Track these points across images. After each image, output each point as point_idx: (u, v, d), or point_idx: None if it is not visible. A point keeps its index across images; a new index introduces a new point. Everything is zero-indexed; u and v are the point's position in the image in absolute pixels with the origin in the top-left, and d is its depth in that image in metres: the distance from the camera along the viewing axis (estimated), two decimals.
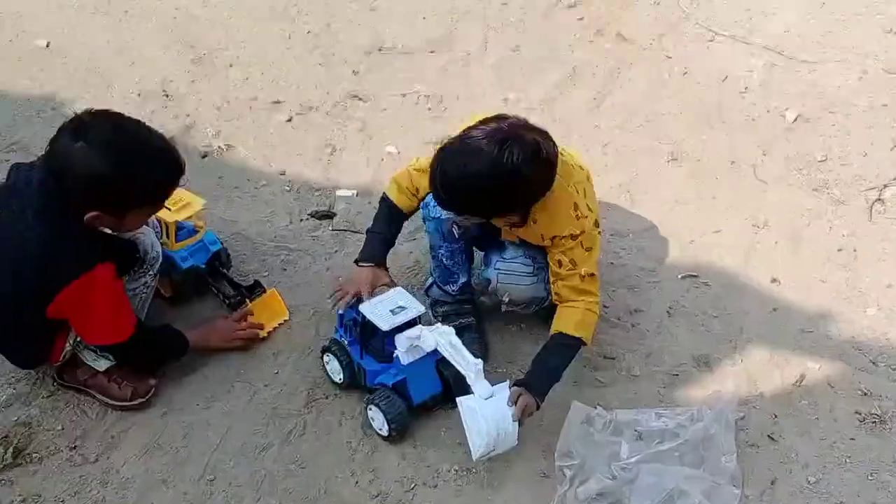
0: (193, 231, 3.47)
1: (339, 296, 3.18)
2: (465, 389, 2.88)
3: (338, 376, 3.19)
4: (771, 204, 4.03)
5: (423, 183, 3.12)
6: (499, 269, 3.22)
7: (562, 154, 2.97)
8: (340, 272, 3.67)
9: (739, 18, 4.95)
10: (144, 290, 3.19)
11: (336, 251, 3.79)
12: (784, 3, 4.98)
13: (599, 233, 3.11)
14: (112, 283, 2.85)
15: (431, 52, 4.88)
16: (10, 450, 3.03)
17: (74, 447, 3.06)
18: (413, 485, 3.01)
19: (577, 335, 3.02)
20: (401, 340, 3.02)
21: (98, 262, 2.79)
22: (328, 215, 3.95)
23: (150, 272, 3.17)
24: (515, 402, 2.85)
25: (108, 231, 2.89)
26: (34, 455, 3.04)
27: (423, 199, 3.23)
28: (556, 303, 3.10)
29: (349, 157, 4.26)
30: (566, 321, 3.04)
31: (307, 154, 4.27)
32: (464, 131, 2.87)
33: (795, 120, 4.44)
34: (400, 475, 3.03)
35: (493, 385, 2.85)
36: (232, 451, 3.07)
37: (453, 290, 3.37)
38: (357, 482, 3.01)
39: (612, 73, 4.77)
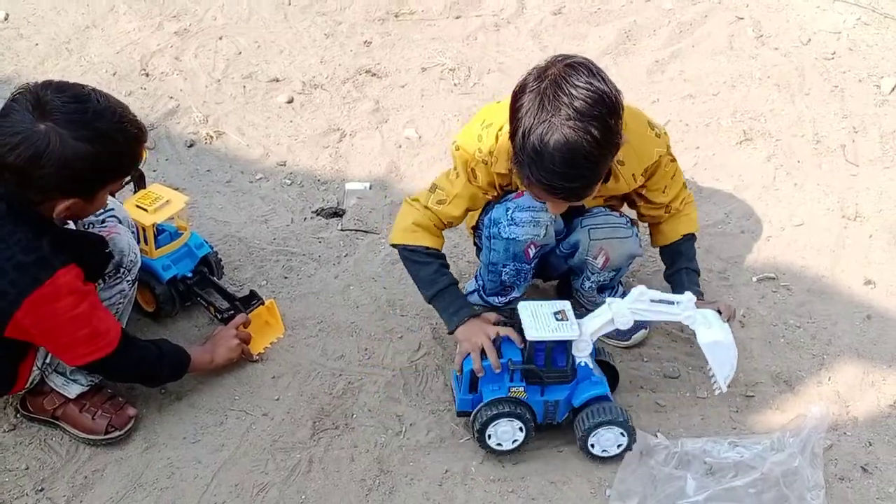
0: (176, 234, 3.51)
1: (476, 358, 3.11)
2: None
3: (511, 441, 3.17)
4: (864, 191, 4.02)
5: (455, 213, 3.20)
6: (588, 225, 3.28)
7: None
8: (351, 280, 3.70)
9: None
10: (121, 301, 3.23)
11: (346, 255, 3.82)
12: None
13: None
14: (80, 289, 2.89)
15: (457, 17, 4.91)
16: None
17: (41, 490, 3.09)
18: None
19: (696, 230, 3.45)
20: (583, 343, 3.07)
21: (58, 267, 2.82)
22: (336, 213, 3.99)
23: (128, 278, 3.21)
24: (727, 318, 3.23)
25: (69, 224, 2.93)
26: None
27: (452, 217, 3.24)
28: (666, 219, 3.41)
29: (361, 144, 4.30)
30: (690, 221, 3.41)
31: (312, 141, 4.31)
32: (516, 106, 2.89)
33: (893, 90, 4.43)
34: None
35: (692, 308, 3.05)
36: (225, 492, 3.10)
37: (499, 302, 3.41)
38: None
39: (673, 38, 4.78)
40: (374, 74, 4.62)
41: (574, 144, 2.77)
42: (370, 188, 4.09)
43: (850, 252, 3.79)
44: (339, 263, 3.80)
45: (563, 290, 3.57)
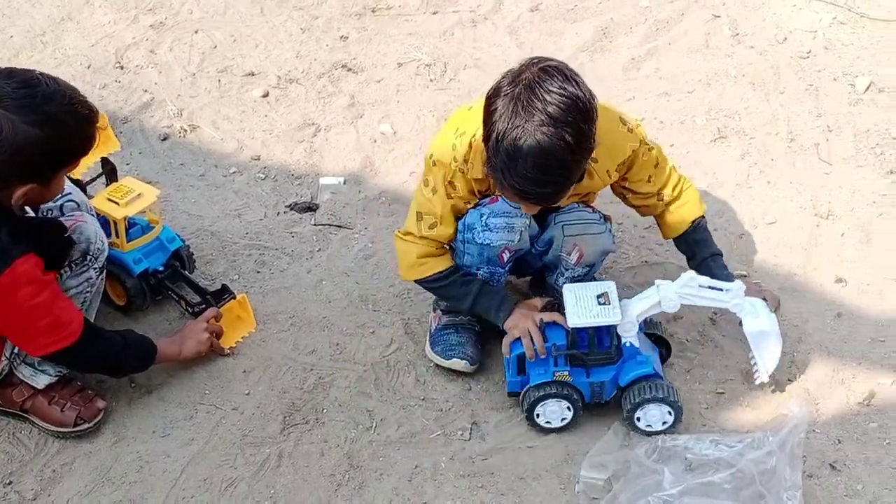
0: (148, 228, 3.50)
1: (528, 343, 3.16)
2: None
3: (559, 420, 3.21)
4: (836, 189, 4.03)
5: (450, 231, 3.20)
6: (561, 221, 3.27)
7: None
8: (323, 275, 3.70)
9: None
10: (89, 289, 3.21)
11: (319, 250, 3.82)
12: None
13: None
14: (39, 278, 2.88)
15: (434, 12, 4.91)
16: None
17: (9, 483, 3.09)
18: None
19: (703, 213, 3.42)
20: (629, 324, 3.12)
21: (16, 256, 2.81)
22: (310, 207, 3.98)
23: (94, 266, 3.19)
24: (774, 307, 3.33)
25: (28, 211, 2.94)
26: None
27: (449, 236, 3.23)
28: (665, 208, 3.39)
29: (335, 139, 4.29)
30: (693, 206, 3.39)
31: (286, 135, 4.30)
32: (490, 109, 2.87)
33: (867, 89, 4.45)
34: None
35: (741, 296, 3.13)
36: (194, 487, 3.10)
37: None
38: None
39: (649, 35, 4.79)
40: (349, 69, 4.61)
41: (547, 150, 2.78)
42: (344, 183, 4.08)
43: (822, 250, 3.80)
44: (312, 258, 3.79)
45: (537, 286, 3.57)
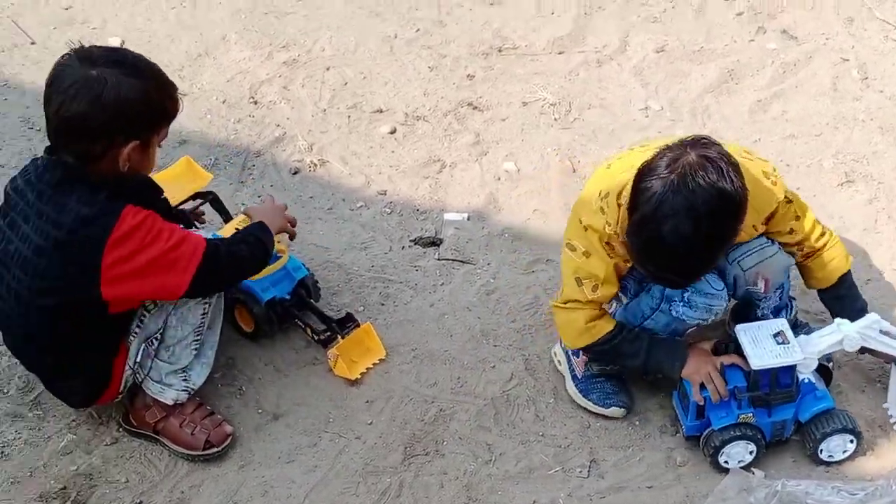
0: (275, 257, 3.56)
1: (713, 389, 3.16)
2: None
3: (736, 461, 3.21)
4: None
5: (614, 290, 3.21)
6: (736, 258, 3.25)
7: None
8: (446, 309, 3.75)
9: None
10: (207, 302, 3.25)
11: (442, 284, 3.86)
12: None
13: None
14: (150, 217, 2.95)
15: (560, 52, 4.94)
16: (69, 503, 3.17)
17: (139, 502, 3.18)
18: None
19: (850, 267, 3.38)
20: (810, 361, 3.16)
21: (122, 208, 2.90)
22: (434, 242, 4.03)
23: None
24: None
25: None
26: None
27: (613, 295, 3.25)
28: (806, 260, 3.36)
29: (460, 175, 4.34)
30: (840, 261, 3.35)
31: (412, 171, 4.37)
32: (640, 186, 2.88)
33: None
34: None
35: None
36: None
37: None
38: None
39: (776, 78, 4.76)
40: (475, 107, 4.66)
41: (688, 246, 2.82)
42: (468, 219, 4.12)
43: None
44: (435, 292, 3.84)
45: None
